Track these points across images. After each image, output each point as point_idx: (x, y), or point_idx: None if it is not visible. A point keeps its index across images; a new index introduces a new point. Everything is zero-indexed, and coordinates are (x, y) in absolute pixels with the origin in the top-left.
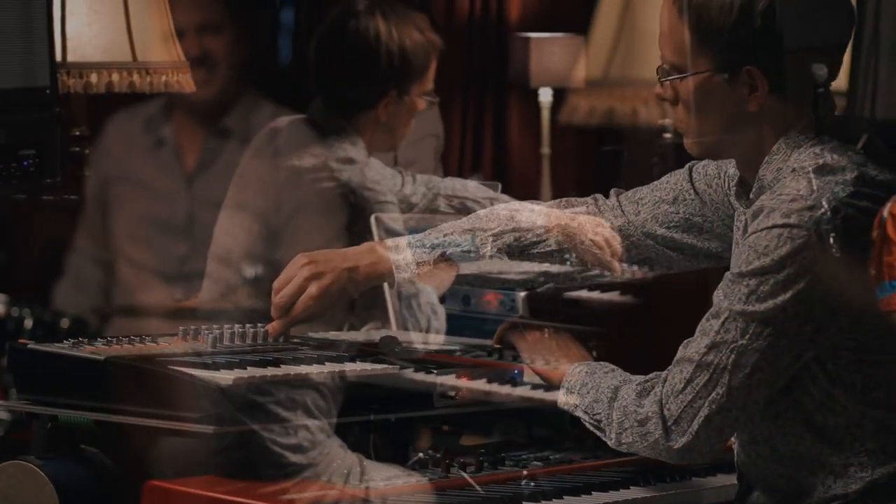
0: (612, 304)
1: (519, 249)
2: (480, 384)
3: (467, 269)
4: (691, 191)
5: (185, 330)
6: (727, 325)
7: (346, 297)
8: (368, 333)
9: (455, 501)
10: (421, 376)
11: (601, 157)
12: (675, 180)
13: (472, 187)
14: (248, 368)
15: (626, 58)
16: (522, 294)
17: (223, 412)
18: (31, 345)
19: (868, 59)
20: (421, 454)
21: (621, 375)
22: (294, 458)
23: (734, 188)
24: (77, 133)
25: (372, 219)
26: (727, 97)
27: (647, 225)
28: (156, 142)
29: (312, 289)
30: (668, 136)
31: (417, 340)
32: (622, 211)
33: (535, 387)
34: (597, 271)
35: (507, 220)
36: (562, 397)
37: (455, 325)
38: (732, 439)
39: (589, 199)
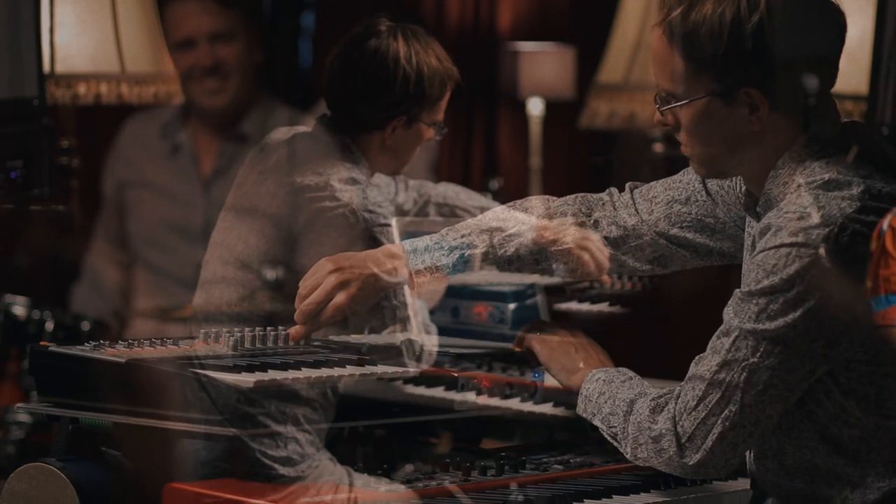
0: (601, 315)
1: (538, 251)
2: (496, 400)
3: (459, 279)
4: (703, 192)
5: (206, 333)
6: (738, 344)
7: (369, 303)
8: (389, 336)
9: None
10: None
11: (590, 168)
12: (688, 179)
13: (463, 195)
14: (269, 371)
15: (648, 62)
16: (511, 306)
17: (244, 415)
18: (53, 347)
19: (889, 65)
20: (411, 467)
21: (638, 385)
22: (283, 470)
23: (743, 199)
24: (65, 144)
25: (393, 221)
26: (728, 119)
27: (660, 224)
28: (172, 147)
29: (340, 297)
30: (657, 145)
31: (440, 345)
32: (636, 209)
33: (549, 401)
34: (585, 283)
35: (526, 219)
36: (580, 405)
37: (444, 338)
38: None
39: (605, 195)
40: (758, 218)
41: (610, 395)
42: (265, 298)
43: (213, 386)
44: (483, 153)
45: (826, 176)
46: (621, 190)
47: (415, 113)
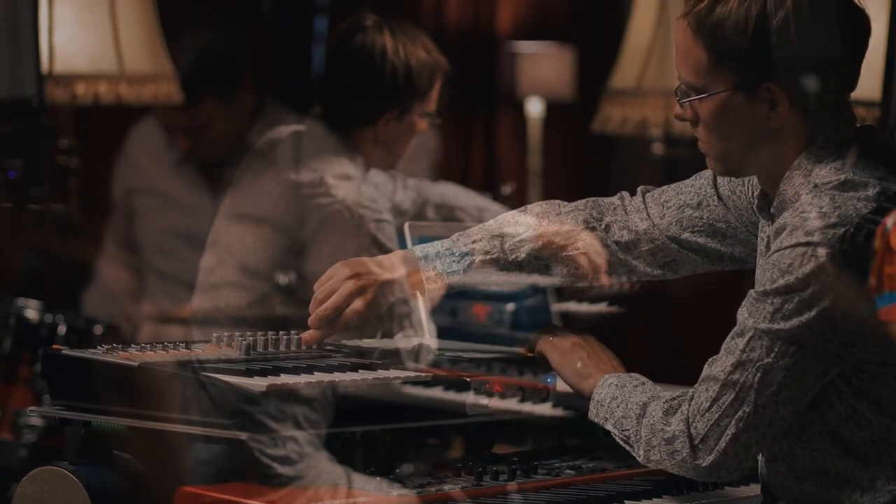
0: (599, 315)
1: (547, 255)
2: (512, 403)
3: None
4: (715, 196)
5: (218, 337)
6: (752, 344)
7: (383, 309)
8: (401, 341)
9: None
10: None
11: (590, 168)
12: (699, 184)
13: (462, 195)
14: (282, 375)
15: (660, 68)
16: (510, 306)
17: (257, 419)
18: (65, 350)
19: None
20: (410, 467)
21: (651, 390)
22: (282, 469)
23: (756, 200)
24: (64, 143)
25: (406, 226)
26: (747, 115)
27: (672, 229)
28: (180, 155)
29: (358, 304)
30: (657, 146)
31: (452, 348)
32: (647, 214)
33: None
34: (584, 283)
35: (537, 225)
36: (592, 410)
37: (442, 338)
38: None
39: (616, 200)
40: (771, 219)
41: (622, 399)
42: (270, 301)
43: (224, 390)
44: (482, 153)
45: (842, 177)
46: (632, 193)
47: (406, 105)
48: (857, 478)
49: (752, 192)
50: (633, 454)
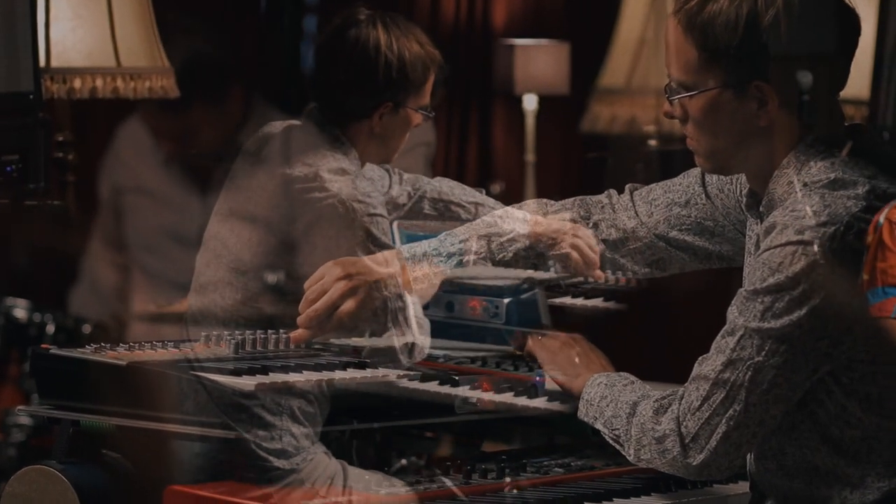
0: (595, 310)
1: (535, 254)
2: (506, 397)
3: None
4: (703, 195)
5: (206, 336)
6: (743, 343)
7: (372, 308)
8: (390, 339)
9: None
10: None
11: (585, 164)
12: (687, 182)
13: (458, 190)
14: (271, 374)
15: (649, 67)
16: (506, 300)
17: (241, 409)
18: (54, 350)
19: (890, 69)
20: (404, 461)
21: (640, 389)
22: (278, 462)
23: (745, 199)
24: (61, 138)
25: (394, 225)
26: (737, 113)
27: (660, 227)
28: (168, 154)
29: (349, 305)
30: (652, 143)
31: (441, 347)
32: (635, 212)
33: (553, 399)
34: (580, 278)
35: (524, 224)
36: (581, 409)
37: (438, 333)
38: None
39: (603, 198)
40: (760, 218)
41: (612, 398)
42: (262, 300)
43: (214, 388)
44: (478, 149)
45: (832, 175)
46: (620, 191)
47: (400, 99)
48: (847, 475)
49: (741, 191)
50: (624, 453)
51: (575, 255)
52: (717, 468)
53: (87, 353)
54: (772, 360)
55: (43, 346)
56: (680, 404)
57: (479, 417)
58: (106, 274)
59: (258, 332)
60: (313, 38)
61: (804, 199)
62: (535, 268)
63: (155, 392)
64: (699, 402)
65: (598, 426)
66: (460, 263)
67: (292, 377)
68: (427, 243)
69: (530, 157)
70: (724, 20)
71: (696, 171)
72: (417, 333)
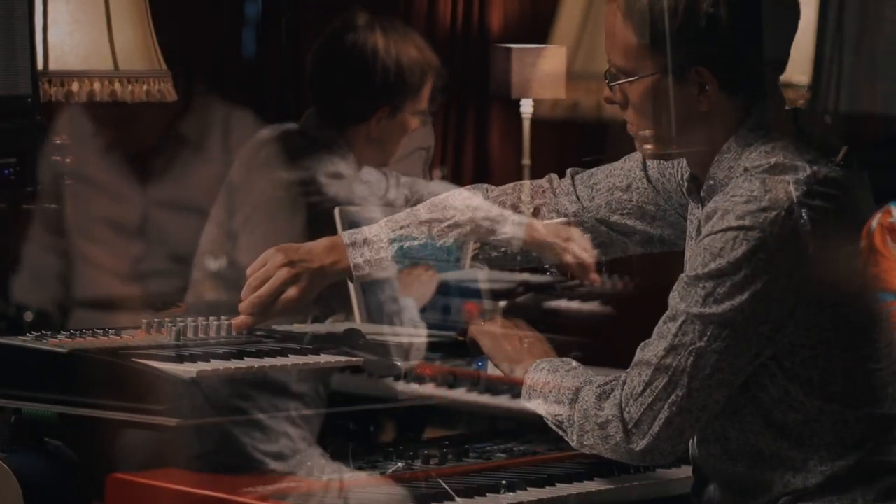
0: (591, 313)
1: (477, 239)
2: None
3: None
4: (644, 179)
5: (148, 323)
6: (685, 328)
7: (315, 295)
8: (332, 326)
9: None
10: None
11: (582, 167)
12: (628, 166)
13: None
14: (212, 361)
15: (591, 52)
16: (502, 304)
17: (186, 405)
18: None
19: (832, 53)
20: (398, 463)
21: (583, 374)
22: (274, 465)
23: (686, 184)
24: (58, 142)
25: (336, 211)
26: (677, 98)
27: (601, 211)
28: (108, 142)
29: (292, 292)
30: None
31: (381, 333)
32: (577, 196)
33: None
34: (576, 281)
35: (464, 209)
36: (524, 394)
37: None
38: None
39: (544, 182)
40: (701, 203)
41: (555, 384)
42: (196, 287)
43: (154, 376)
44: (475, 153)
45: (773, 160)
46: (561, 175)
47: (398, 103)
48: (790, 458)
49: (682, 175)
50: (567, 439)
51: (514, 242)
52: (661, 453)
53: (27, 340)
54: (714, 345)
55: None
56: (622, 390)
57: (421, 403)
58: (46, 260)
59: (199, 318)
60: (255, 23)
61: (745, 184)
62: (476, 256)
63: (96, 379)
64: (641, 388)
65: (541, 412)
66: (401, 249)
67: (234, 364)
68: (368, 229)
69: (527, 161)
70: (663, 6)
71: (637, 156)
72: (359, 318)
